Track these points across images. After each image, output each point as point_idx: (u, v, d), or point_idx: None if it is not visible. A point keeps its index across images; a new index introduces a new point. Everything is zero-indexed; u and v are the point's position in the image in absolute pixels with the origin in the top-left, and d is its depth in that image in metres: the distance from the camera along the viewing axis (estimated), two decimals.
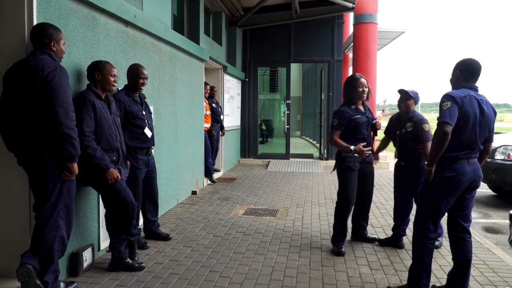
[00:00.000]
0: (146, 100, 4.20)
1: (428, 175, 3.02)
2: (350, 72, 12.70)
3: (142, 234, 4.40)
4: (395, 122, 4.45)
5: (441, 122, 2.90)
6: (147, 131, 4.06)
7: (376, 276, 3.56)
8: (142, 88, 4.07)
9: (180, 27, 7.18)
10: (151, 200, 4.34)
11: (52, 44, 2.89)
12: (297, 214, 5.66)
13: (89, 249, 3.55)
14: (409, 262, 3.87)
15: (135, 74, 4.01)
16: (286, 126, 11.43)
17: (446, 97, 2.97)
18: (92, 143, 3.21)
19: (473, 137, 2.97)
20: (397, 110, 4.51)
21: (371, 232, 4.83)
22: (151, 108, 4.38)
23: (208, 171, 7.71)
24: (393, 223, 4.40)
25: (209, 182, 7.83)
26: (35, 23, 2.96)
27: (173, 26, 6.45)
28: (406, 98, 4.21)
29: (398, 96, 4.33)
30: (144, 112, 4.06)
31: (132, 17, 4.37)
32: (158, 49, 5.28)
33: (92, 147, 3.20)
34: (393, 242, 4.32)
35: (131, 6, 4.38)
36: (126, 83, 4.09)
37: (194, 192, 6.79)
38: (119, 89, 4.08)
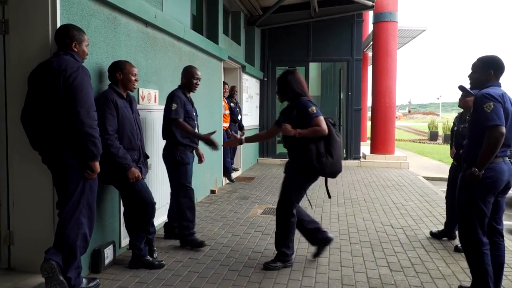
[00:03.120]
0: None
1: (476, 179, 2.91)
2: (370, 71, 12.56)
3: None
4: (457, 121, 4.47)
5: (492, 126, 2.82)
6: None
7: (397, 277, 3.52)
8: (196, 88, 4.24)
9: (199, 27, 7.23)
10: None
11: (74, 44, 2.93)
12: (316, 214, 5.63)
13: (111, 246, 3.60)
14: (430, 263, 3.83)
15: (190, 75, 4.17)
16: None
17: (486, 97, 2.87)
18: (115, 142, 3.25)
19: (509, 135, 2.91)
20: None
21: (391, 232, 4.79)
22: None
23: (227, 171, 7.73)
24: (445, 219, 4.65)
25: (227, 181, 7.86)
26: (58, 24, 3.02)
27: (192, 26, 6.49)
28: (465, 95, 4.16)
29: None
30: (194, 113, 4.22)
31: (152, 17, 4.42)
32: (177, 49, 5.32)
33: (115, 146, 3.25)
34: (447, 233, 4.54)
35: (151, 6, 4.42)
36: (148, 82, 4.14)
37: (213, 191, 6.82)
38: (175, 88, 4.18)
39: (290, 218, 3.66)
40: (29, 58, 3.06)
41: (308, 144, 3.48)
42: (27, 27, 3.10)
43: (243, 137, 4.07)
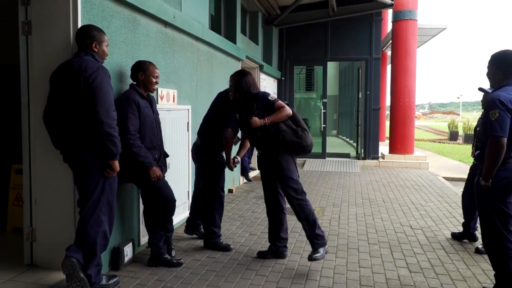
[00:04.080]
0: None
1: (484, 188, 2.90)
2: (389, 71, 12.42)
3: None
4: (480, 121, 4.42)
5: (494, 137, 2.79)
6: None
7: (416, 279, 3.47)
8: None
9: (217, 27, 7.26)
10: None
11: (94, 45, 2.97)
12: (333, 214, 5.60)
13: (130, 244, 3.65)
14: (450, 265, 3.77)
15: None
16: (323, 125, 11.33)
17: (495, 103, 2.80)
18: (137, 142, 3.29)
19: None
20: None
21: (410, 233, 4.73)
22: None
23: (244, 170, 7.74)
24: (463, 220, 4.52)
25: (245, 180, 7.87)
26: (79, 25, 3.07)
27: (211, 26, 6.52)
28: (486, 95, 4.11)
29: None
30: None
31: (171, 18, 4.45)
32: (196, 49, 5.36)
33: (137, 145, 3.28)
34: (467, 235, 4.45)
35: (170, 7, 4.46)
36: (167, 82, 4.16)
37: (230, 191, 6.84)
38: (222, 90, 4.11)
39: (305, 198, 3.67)
40: (51, 58, 3.13)
41: (279, 127, 3.59)
42: (49, 28, 3.16)
43: (237, 158, 4.14)
